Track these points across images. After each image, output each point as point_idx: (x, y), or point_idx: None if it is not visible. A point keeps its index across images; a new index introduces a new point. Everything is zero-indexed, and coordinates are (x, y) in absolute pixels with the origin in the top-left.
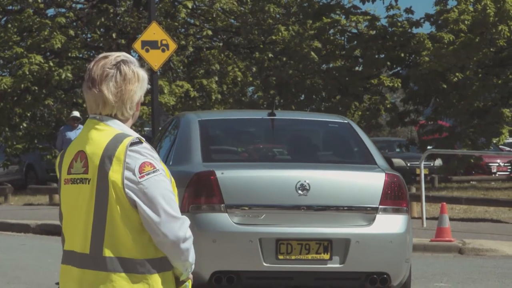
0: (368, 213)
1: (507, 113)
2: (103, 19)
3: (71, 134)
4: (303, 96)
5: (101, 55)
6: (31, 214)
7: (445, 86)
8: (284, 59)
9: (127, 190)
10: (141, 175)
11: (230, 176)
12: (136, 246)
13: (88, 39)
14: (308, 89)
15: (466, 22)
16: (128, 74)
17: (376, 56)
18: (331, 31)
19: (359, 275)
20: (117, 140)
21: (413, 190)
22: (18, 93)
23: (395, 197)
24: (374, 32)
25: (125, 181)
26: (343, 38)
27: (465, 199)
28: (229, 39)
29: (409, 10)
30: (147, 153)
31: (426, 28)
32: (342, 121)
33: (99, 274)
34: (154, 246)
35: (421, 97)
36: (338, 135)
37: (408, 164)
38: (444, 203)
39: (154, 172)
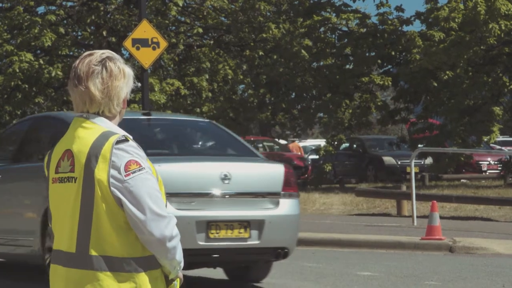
0: (274, 198)
1: (498, 111)
2: (93, 17)
3: None
4: (293, 94)
5: (86, 53)
6: None
7: (435, 84)
8: (275, 57)
9: (112, 189)
10: (127, 173)
11: (165, 168)
12: (122, 244)
13: (79, 37)
14: (299, 87)
15: (456, 20)
16: (114, 70)
17: (367, 54)
18: (322, 29)
19: (270, 250)
20: (103, 138)
21: (404, 188)
22: (8, 91)
23: (291, 184)
24: (365, 30)
25: (111, 180)
26: (333, 36)
27: (456, 197)
28: (220, 37)
29: (399, 8)
30: (133, 151)
31: (417, 26)
32: (207, 120)
33: (86, 273)
34: (141, 244)
35: (411, 95)
36: (214, 132)
37: (399, 162)
38: (435, 201)
39: (140, 170)
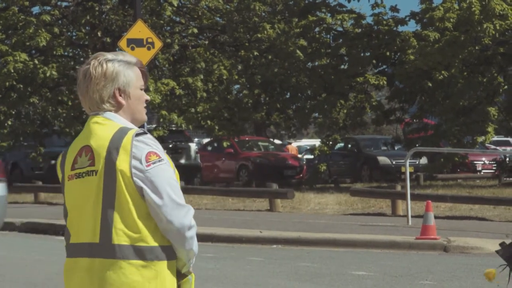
0: None
1: (493, 111)
2: (88, 17)
3: None
4: (288, 94)
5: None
6: (16, 212)
7: (430, 84)
8: (270, 57)
9: (135, 178)
10: (148, 163)
11: None
12: (144, 233)
13: (73, 37)
14: (294, 87)
15: (451, 20)
16: (93, 75)
17: (362, 54)
18: (317, 29)
19: None
20: (122, 132)
21: (398, 188)
22: (3, 91)
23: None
24: (360, 30)
25: (133, 170)
26: (328, 36)
27: (450, 197)
28: (215, 37)
29: (394, 8)
30: (151, 143)
31: (412, 26)
32: None
33: (109, 262)
34: (161, 234)
35: (406, 95)
36: None
37: (394, 162)
38: (429, 201)
39: (159, 161)
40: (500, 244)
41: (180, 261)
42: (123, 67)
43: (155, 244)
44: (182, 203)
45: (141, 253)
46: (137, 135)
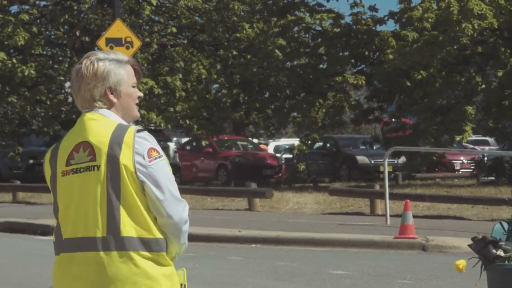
0: None
1: (470, 110)
2: (67, 16)
3: None
4: (267, 93)
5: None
6: None
7: (409, 83)
8: (249, 56)
9: (138, 173)
10: (150, 159)
11: None
12: (148, 225)
13: (52, 36)
14: (272, 86)
15: (430, 20)
16: (84, 74)
17: (340, 54)
18: (296, 28)
19: None
20: (122, 128)
21: (377, 187)
22: None
23: None
24: (338, 29)
25: (136, 165)
26: (307, 35)
27: (429, 196)
28: (194, 37)
29: (373, 8)
30: (151, 139)
31: (390, 26)
32: None
33: (119, 254)
34: (158, 227)
35: (385, 95)
36: None
37: (372, 162)
38: (408, 200)
39: (160, 157)
40: (472, 239)
41: (170, 254)
42: (114, 66)
43: (160, 236)
44: (180, 198)
45: (147, 245)
46: (138, 131)
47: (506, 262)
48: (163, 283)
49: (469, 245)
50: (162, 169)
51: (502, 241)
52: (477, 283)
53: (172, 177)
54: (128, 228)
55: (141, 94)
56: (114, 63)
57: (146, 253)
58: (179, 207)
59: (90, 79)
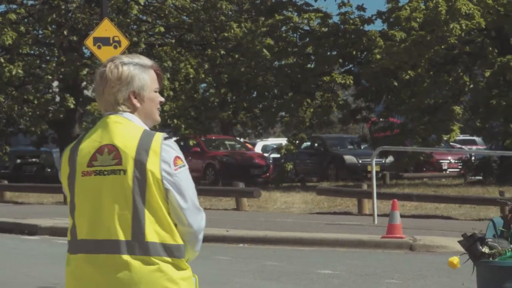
0: None
1: (458, 110)
2: (54, 16)
3: None
4: (255, 93)
5: (104, 62)
6: None
7: (396, 83)
8: (236, 56)
9: (164, 181)
10: (176, 167)
11: None
12: (171, 232)
13: (40, 36)
14: (260, 86)
15: (417, 20)
16: (109, 78)
17: (328, 53)
18: (284, 28)
19: None
20: (149, 134)
21: (365, 187)
22: None
23: None
24: (326, 29)
25: (163, 173)
26: (295, 35)
27: (416, 196)
28: (181, 36)
29: (361, 8)
30: (176, 148)
31: (378, 26)
32: None
33: (143, 259)
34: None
35: (372, 94)
36: None
37: (360, 161)
38: (395, 200)
39: (184, 166)
40: (462, 235)
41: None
42: (138, 71)
43: (181, 242)
44: (200, 207)
45: (170, 251)
46: (165, 138)
47: (491, 259)
48: (182, 285)
49: (459, 242)
50: (186, 178)
51: (490, 238)
52: (464, 283)
53: (194, 187)
54: (152, 233)
55: (163, 99)
56: (138, 67)
57: (168, 259)
58: (198, 216)
59: (114, 82)
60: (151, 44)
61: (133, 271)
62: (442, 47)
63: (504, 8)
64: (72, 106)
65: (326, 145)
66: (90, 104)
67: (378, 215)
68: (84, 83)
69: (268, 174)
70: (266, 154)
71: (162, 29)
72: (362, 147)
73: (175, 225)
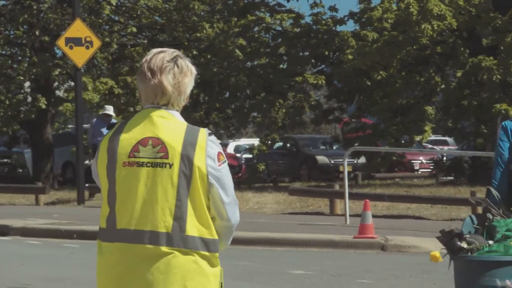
0: None
1: (430, 110)
2: (26, 16)
3: (103, 128)
4: (227, 93)
5: (157, 50)
6: None
7: (368, 83)
8: (209, 56)
9: (209, 176)
10: (219, 163)
11: None
12: (209, 226)
13: (11, 36)
14: (233, 86)
15: (389, 20)
16: (184, 68)
17: (301, 54)
18: (256, 28)
19: None
20: (193, 129)
21: (337, 187)
22: None
23: None
24: (299, 29)
25: (208, 168)
26: (267, 35)
27: (388, 196)
28: (154, 36)
29: (333, 8)
30: (218, 144)
31: (350, 26)
32: None
33: (182, 251)
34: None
35: (345, 95)
36: None
37: (332, 162)
38: (367, 200)
39: (225, 161)
40: (440, 231)
41: None
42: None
43: (216, 237)
44: (237, 201)
45: (207, 245)
46: (209, 134)
47: (469, 253)
48: (213, 281)
49: (437, 237)
50: (228, 173)
51: (467, 234)
52: (435, 283)
53: (232, 181)
54: (192, 227)
55: None
56: None
57: (205, 253)
58: (236, 211)
59: (189, 78)
60: (123, 45)
61: (171, 263)
62: (414, 47)
63: (475, 9)
64: (44, 106)
65: (298, 146)
66: (62, 105)
67: (350, 215)
68: (56, 83)
69: (240, 175)
70: (238, 155)
71: (134, 29)
72: (334, 148)
73: (212, 219)
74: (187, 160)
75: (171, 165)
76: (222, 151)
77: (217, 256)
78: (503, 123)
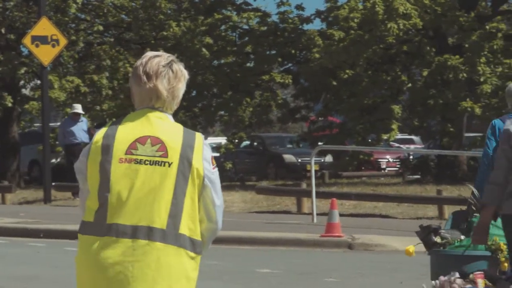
0: None
1: (397, 109)
2: None
3: (73, 127)
4: (194, 92)
5: (152, 53)
6: None
7: (335, 82)
8: (176, 55)
9: (205, 178)
10: (213, 166)
11: None
12: (197, 228)
13: None
14: (200, 85)
15: (356, 19)
16: (179, 73)
17: (267, 53)
18: (223, 27)
19: None
20: (190, 132)
21: (304, 186)
22: None
23: None
24: (265, 28)
25: (205, 170)
26: (234, 34)
27: (355, 194)
28: (120, 35)
29: (300, 7)
30: (210, 148)
31: (317, 25)
32: None
33: (173, 248)
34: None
35: (311, 94)
36: None
37: (299, 160)
38: (334, 199)
39: (216, 166)
40: (419, 226)
41: None
42: None
43: (200, 239)
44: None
45: (193, 246)
46: (204, 139)
47: (442, 248)
48: (193, 285)
49: (416, 232)
50: (218, 177)
51: (443, 230)
52: (402, 281)
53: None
54: (185, 226)
55: None
56: None
57: (192, 254)
58: (221, 215)
59: (183, 83)
60: (90, 43)
61: (161, 261)
62: (380, 46)
63: (441, 7)
64: (10, 104)
65: (265, 144)
66: (28, 103)
67: (317, 214)
68: (22, 82)
69: None
70: None
71: (101, 27)
72: (301, 146)
73: (200, 221)
74: (186, 161)
75: (170, 164)
76: (212, 156)
77: (200, 259)
78: (492, 121)
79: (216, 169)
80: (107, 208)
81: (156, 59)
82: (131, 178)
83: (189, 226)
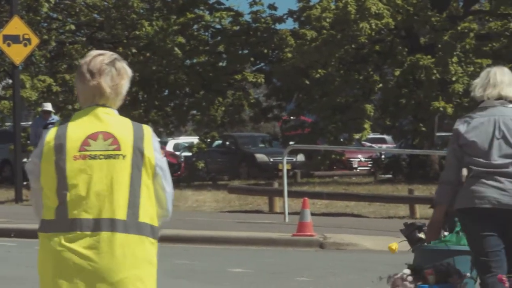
0: None
1: (369, 108)
2: None
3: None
4: (166, 91)
5: (96, 52)
6: None
7: (307, 82)
8: (148, 54)
9: (157, 167)
10: (162, 155)
11: None
12: (155, 215)
13: None
14: (172, 84)
15: (328, 19)
16: (122, 70)
17: (240, 52)
18: (195, 26)
19: None
20: (138, 125)
21: (276, 185)
22: None
23: None
24: (238, 28)
25: (156, 159)
26: (207, 33)
27: (327, 194)
28: (93, 34)
29: (272, 7)
30: (157, 138)
31: (289, 24)
32: None
33: (135, 237)
34: None
35: (284, 93)
36: None
37: (271, 160)
38: (306, 198)
39: (164, 155)
40: (404, 224)
41: None
42: None
43: (158, 225)
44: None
45: (154, 232)
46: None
47: (426, 244)
48: (154, 270)
49: (401, 230)
50: (167, 165)
51: (425, 227)
52: (373, 280)
53: None
54: (144, 214)
55: None
56: None
57: (152, 240)
58: (171, 202)
59: (126, 80)
60: (62, 42)
61: (127, 249)
62: (352, 46)
63: (413, 7)
64: None
65: (237, 144)
66: None
67: (289, 213)
68: None
69: (179, 173)
70: (177, 153)
71: (73, 27)
72: (273, 146)
73: None
74: (138, 152)
75: (124, 157)
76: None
77: (156, 242)
78: None
79: (164, 157)
80: (67, 205)
81: (99, 58)
82: (88, 174)
83: (148, 213)
